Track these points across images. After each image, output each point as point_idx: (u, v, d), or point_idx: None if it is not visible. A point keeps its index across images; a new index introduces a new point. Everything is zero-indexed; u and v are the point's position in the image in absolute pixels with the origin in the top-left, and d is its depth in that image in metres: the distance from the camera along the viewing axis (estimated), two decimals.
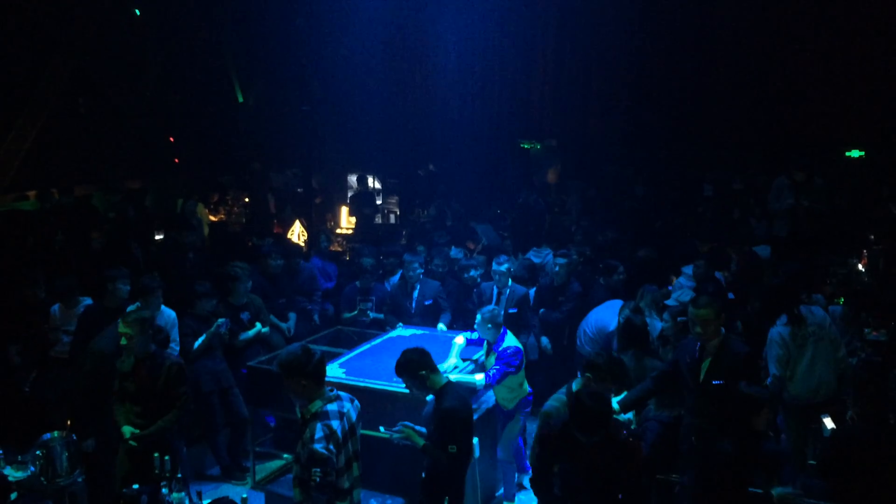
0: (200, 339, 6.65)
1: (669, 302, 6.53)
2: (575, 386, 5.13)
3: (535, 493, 4.55)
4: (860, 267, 9.30)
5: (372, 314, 7.91)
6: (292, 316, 7.98)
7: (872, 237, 9.92)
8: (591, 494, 4.20)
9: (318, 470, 4.01)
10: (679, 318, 6.23)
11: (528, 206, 13.13)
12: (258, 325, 7.21)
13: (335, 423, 4.16)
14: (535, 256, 8.93)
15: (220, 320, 6.72)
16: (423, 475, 4.68)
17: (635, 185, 14.05)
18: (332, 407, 4.22)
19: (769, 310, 6.18)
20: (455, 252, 8.78)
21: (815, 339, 5.91)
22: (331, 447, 4.08)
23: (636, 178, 14.39)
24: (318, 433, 4.08)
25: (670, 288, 7.35)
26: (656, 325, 6.73)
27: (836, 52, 13.72)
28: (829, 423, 5.67)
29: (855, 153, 13.75)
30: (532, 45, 16.91)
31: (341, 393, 4.41)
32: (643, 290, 6.99)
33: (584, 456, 4.15)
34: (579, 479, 4.23)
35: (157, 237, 11.13)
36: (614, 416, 5.02)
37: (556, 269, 7.73)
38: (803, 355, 5.89)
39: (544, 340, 7.70)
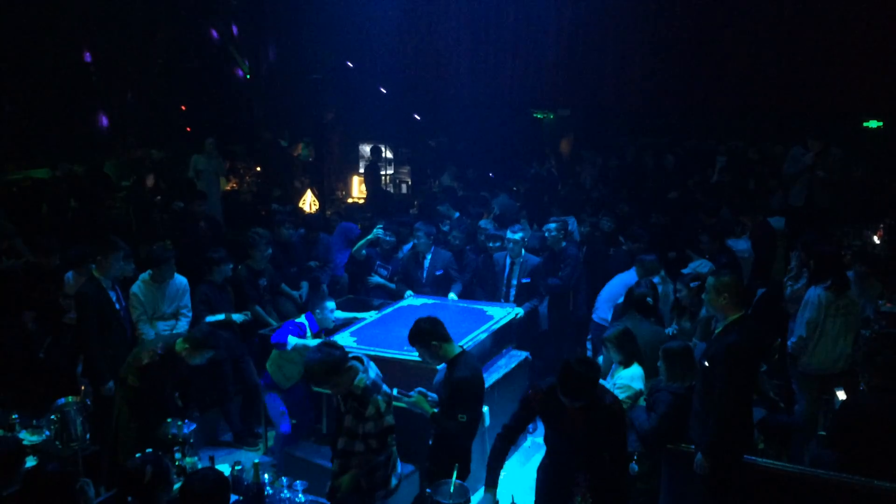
0: (219, 317, 6.62)
1: (685, 270, 6.49)
2: (601, 360, 5.50)
3: (490, 450, 4.44)
4: (875, 239, 9.20)
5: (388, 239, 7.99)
6: (304, 284, 7.99)
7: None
8: (574, 457, 4.20)
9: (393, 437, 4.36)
10: (692, 284, 6.19)
11: (540, 176, 13.01)
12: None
13: (385, 388, 4.44)
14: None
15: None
16: (431, 442, 4.71)
17: (646, 155, 13.89)
18: (371, 375, 4.40)
19: (818, 273, 6.14)
20: (484, 223, 8.71)
21: (846, 312, 5.95)
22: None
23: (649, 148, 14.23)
24: (382, 405, 4.30)
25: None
26: (669, 290, 6.68)
27: (856, 21, 13.43)
28: (841, 394, 5.67)
29: (873, 123, 13.53)
30: (546, 13, 16.64)
31: (360, 355, 4.54)
32: (639, 260, 6.85)
33: (567, 419, 4.14)
34: (562, 442, 4.24)
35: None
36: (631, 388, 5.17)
37: (547, 234, 7.71)
38: (833, 325, 5.92)
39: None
